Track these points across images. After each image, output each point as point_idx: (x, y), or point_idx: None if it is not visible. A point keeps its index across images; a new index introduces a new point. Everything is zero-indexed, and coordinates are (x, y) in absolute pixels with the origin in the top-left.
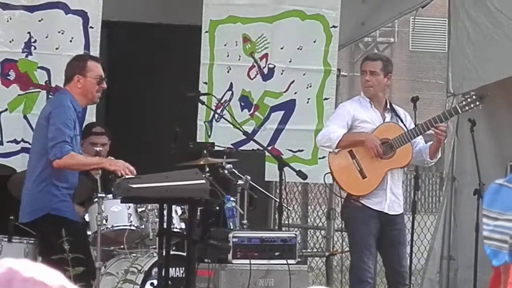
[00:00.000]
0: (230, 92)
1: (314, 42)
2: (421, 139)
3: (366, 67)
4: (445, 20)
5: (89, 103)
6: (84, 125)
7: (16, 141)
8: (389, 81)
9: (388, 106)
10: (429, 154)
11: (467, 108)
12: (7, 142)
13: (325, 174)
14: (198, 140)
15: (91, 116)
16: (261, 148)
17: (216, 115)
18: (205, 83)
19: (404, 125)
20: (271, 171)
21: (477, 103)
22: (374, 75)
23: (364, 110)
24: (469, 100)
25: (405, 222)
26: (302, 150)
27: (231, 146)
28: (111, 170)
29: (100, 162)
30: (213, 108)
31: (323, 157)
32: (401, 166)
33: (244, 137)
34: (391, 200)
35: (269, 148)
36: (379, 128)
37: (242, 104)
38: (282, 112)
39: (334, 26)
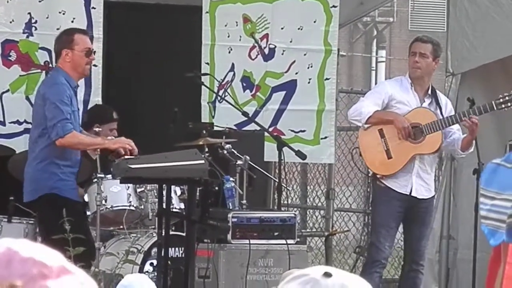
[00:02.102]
0: (232, 72)
1: (315, 22)
2: (458, 130)
3: (416, 49)
4: (444, 0)
5: (80, 76)
6: (98, 108)
7: (18, 122)
8: (436, 65)
9: (430, 91)
10: (461, 146)
11: (503, 106)
12: (10, 123)
13: (353, 149)
14: (202, 121)
15: (96, 96)
16: (261, 128)
17: (219, 96)
18: (207, 63)
19: (441, 113)
20: (270, 151)
21: None
22: (423, 57)
23: (403, 91)
24: (507, 98)
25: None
26: (304, 131)
27: (234, 127)
28: (115, 148)
29: (102, 142)
30: (216, 88)
31: (325, 137)
32: (429, 153)
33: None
34: (417, 184)
35: (271, 128)
36: (413, 111)
37: (244, 84)
38: (284, 92)
39: (334, 6)
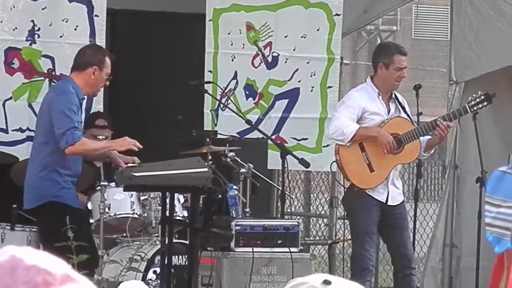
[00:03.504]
0: (235, 80)
1: (318, 30)
2: None
3: (402, 64)
4: (448, 8)
5: (90, 94)
6: (89, 114)
7: (21, 130)
8: None
9: (394, 95)
10: (425, 147)
11: (475, 108)
12: (12, 130)
13: (332, 163)
14: (205, 128)
15: (98, 104)
16: (264, 137)
17: (222, 104)
18: (210, 71)
19: (406, 113)
20: (273, 159)
21: (485, 103)
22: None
23: (372, 101)
24: (477, 100)
25: (407, 209)
26: (306, 139)
27: (237, 135)
28: (123, 151)
29: (109, 145)
30: (219, 96)
31: (327, 145)
32: (408, 162)
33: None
34: (392, 191)
35: (274, 136)
36: (390, 122)
37: (247, 92)
38: (286, 100)
39: (337, 14)
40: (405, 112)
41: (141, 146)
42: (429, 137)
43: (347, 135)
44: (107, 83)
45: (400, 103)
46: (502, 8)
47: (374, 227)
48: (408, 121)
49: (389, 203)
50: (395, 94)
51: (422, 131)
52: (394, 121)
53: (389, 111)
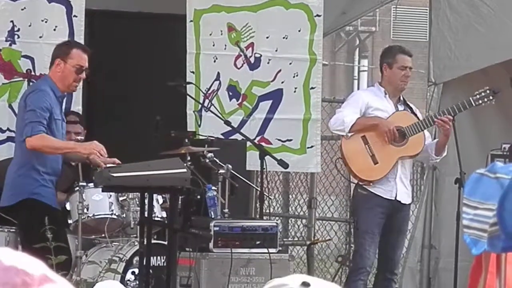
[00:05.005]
0: (218, 81)
1: (299, 31)
2: (428, 136)
3: (407, 63)
4: (427, 9)
5: (66, 90)
6: None
7: (1, 130)
8: None
9: (402, 98)
10: (435, 150)
11: (480, 102)
12: None
13: (337, 159)
14: (188, 129)
15: (77, 104)
16: (244, 138)
17: (204, 107)
18: (192, 72)
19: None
20: (252, 160)
21: (491, 97)
22: (410, 71)
23: (378, 98)
24: (483, 94)
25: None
26: (291, 140)
27: (221, 136)
28: (86, 154)
29: (73, 147)
30: (202, 97)
31: (312, 146)
32: (413, 155)
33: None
34: (401, 189)
35: (259, 137)
36: (393, 115)
37: (230, 93)
38: (270, 101)
39: (318, 15)
40: (415, 116)
41: (119, 162)
42: (437, 139)
43: (347, 123)
44: (81, 76)
45: (408, 106)
46: (481, 10)
47: (375, 228)
48: (411, 115)
49: (398, 198)
50: (404, 99)
51: (425, 123)
52: (398, 114)
53: (397, 110)
